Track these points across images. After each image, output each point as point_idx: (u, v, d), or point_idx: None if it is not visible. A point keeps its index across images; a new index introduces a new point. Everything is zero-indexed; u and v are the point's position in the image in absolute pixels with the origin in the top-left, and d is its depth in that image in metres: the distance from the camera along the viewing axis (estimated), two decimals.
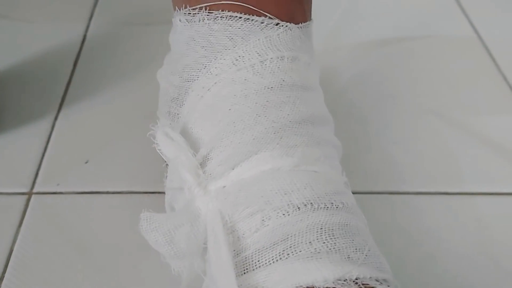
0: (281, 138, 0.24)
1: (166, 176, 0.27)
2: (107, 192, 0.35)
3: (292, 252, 0.21)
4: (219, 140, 0.25)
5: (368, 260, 0.22)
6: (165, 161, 0.27)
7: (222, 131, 0.25)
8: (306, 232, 0.22)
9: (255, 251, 0.22)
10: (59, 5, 0.52)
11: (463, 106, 0.43)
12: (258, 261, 0.22)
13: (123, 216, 0.33)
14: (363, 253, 0.22)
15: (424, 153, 0.39)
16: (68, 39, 0.48)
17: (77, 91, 0.43)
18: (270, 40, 0.26)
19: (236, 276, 0.21)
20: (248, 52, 0.25)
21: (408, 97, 0.44)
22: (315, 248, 0.21)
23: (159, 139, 0.25)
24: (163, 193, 0.28)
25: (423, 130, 0.41)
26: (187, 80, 0.27)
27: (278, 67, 0.26)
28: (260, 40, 0.26)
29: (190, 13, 0.27)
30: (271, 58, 0.25)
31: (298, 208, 0.22)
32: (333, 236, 0.22)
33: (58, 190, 0.35)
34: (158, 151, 0.25)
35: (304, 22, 0.27)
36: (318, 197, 0.23)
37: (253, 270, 0.22)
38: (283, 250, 0.21)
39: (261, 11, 0.26)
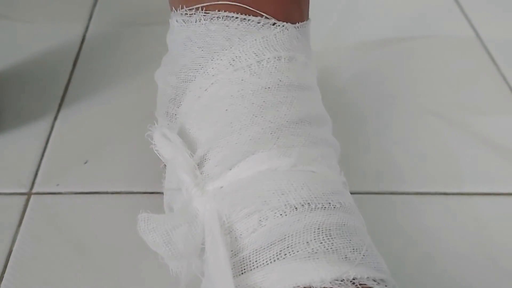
0: (278, 138, 0.24)
1: (165, 177, 0.27)
2: (107, 192, 0.35)
3: (289, 252, 0.21)
4: (216, 140, 0.25)
5: (365, 260, 0.22)
6: (163, 162, 0.27)
7: (219, 131, 0.25)
8: (303, 232, 0.22)
9: (253, 251, 0.22)
10: (58, 5, 0.52)
11: (463, 106, 0.43)
12: (256, 261, 0.22)
13: (122, 216, 0.33)
14: (360, 253, 0.22)
15: (424, 153, 0.39)
16: (68, 39, 0.48)
17: (77, 91, 0.43)
18: (267, 40, 0.26)
19: (234, 276, 0.21)
20: (245, 52, 0.25)
21: (408, 97, 0.44)
22: (312, 248, 0.21)
23: (157, 140, 0.25)
24: (162, 193, 0.28)
25: (422, 130, 0.41)
26: (184, 81, 0.27)
27: (275, 67, 0.26)
28: (257, 40, 0.25)
29: (186, 14, 0.27)
30: (268, 58, 0.25)
31: (295, 208, 0.22)
32: (330, 236, 0.22)
33: (58, 190, 0.35)
34: (155, 152, 0.25)
35: (301, 22, 0.27)
36: (315, 197, 0.23)
37: (251, 270, 0.22)
38: (281, 250, 0.21)
39: (257, 11, 0.26)
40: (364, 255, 0.22)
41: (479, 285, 0.31)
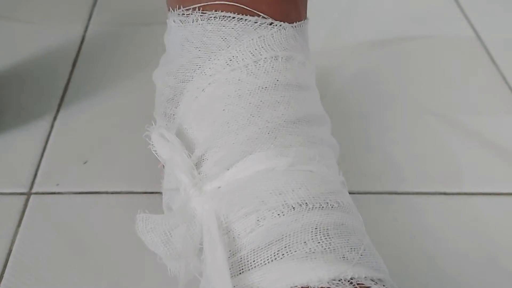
0: (275, 138, 0.24)
1: (163, 177, 0.27)
2: (106, 192, 0.35)
3: (287, 252, 0.21)
4: (213, 140, 0.25)
5: (363, 259, 0.22)
6: (161, 162, 0.27)
7: (216, 131, 0.25)
8: (301, 232, 0.22)
9: (251, 251, 0.22)
10: (58, 6, 0.52)
11: (462, 106, 0.43)
12: (254, 261, 0.22)
13: (121, 216, 0.33)
14: (358, 253, 0.22)
15: (423, 153, 0.39)
16: (67, 39, 0.48)
17: (76, 91, 0.43)
18: (264, 39, 0.26)
19: (232, 276, 0.21)
20: (241, 52, 0.25)
21: (407, 97, 0.44)
22: (310, 248, 0.21)
23: (155, 140, 0.25)
24: (162, 193, 0.28)
25: (422, 130, 0.41)
26: (182, 81, 0.27)
27: (272, 67, 0.26)
28: (254, 40, 0.25)
29: (184, 14, 0.27)
30: (265, 58, 0.25)
31: (293, 208, 0.22)
32: (328, 236, 0.22)
33: (57, 190, 0.35)
34: (153, 152, 0.25)
35: (298, 21, 0.27)
36: (313, 197, 0.23)
37: (249, 270, 0.22)
38: (278, 250, 0.21)
39: (254, 11, 0.25)
40: (362, 255, 0.22)
41: (479, 285, 0.31)
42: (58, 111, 0.41)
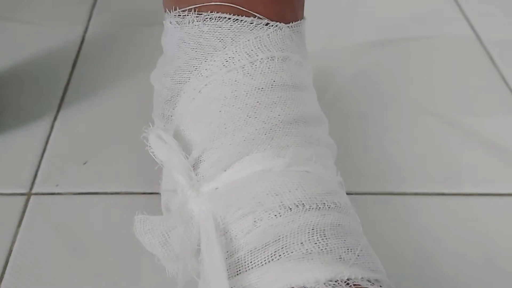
0: (272, 138, 0.24)
1: (162, 178, 0.28)
2: (106, 193, 0.35)
3: (283, 253, 0.21)
4: (210, 141, 0.25)
5: (360, 260, 0.22)
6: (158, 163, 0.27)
7: (213, 132, 0.25)
8: (298, 233, 0.22)
9: (248, 252, 0.22)
10: (58, 7, 0.52)
11: (462, 107, 0.43)
12: (251, 262, 0.22)
13: (121, 217, 0.33)
14: (355, 254, 0.22)
15: (422, 154, 0.39)
16: (67, 40, 0.48)
17: (76, 92, 0.43)
18: (260, 40, 0.26)
19: (229, 277, 0.21)
20: (238, 53, 0.25)
21: (407, 97, 0.44)
22: (307, 249, 0.21)
23: (152, 141, 0.25)
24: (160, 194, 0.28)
25: (421, 130, 0.41)
26: (178, 82, 0.27)
27: (269, 68, 0.25)
28: (250, 40, 0.25)
29: (180, 15, 0.27)
30: (261, 59, 0.25)
31: (290, 209, 0.22)
32: (324, 236, 0.22)
33: (57, 191, 0.35)
34: (151, 153, 0.25)
35: (295, 21, 0.27)
36: (309, 198, 0.23)
37: (246, 271, 0.22)
38: (275, 251, 0.21)
39: (250, 12, 0.25)
40: (358, 255, 0.22)
41: (477, 285, 0.31)
42: (58, 111, 0.41)
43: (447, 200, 0.36)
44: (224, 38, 0.26)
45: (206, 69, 0.26)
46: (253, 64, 0.25)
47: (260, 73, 0.25)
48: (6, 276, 0.30)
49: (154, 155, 0.25)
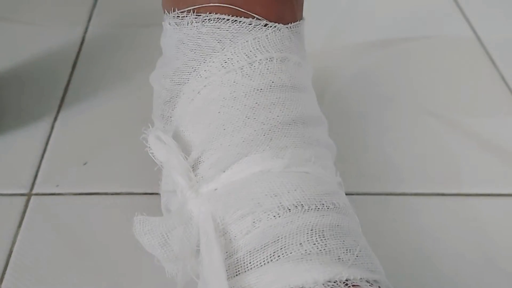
0: (271, 139, 0.24)
1: (161, 179, 0.28)
2: (106, 193, 0.35)
3: (282, 253, 0.21)
4: (209, 143, 0.25)
5: (358, 261, 0.22)
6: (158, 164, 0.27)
7: (212, 133, 0.25)
8: (297, 234, 0.22)
9: (247, 253, 0.22)
10: (58, 7, 0.52)
11: (462, 107, 0.43)
12: (250, 263, 0.22)
13: (121, 217, 0.33)
14: (353, 254, 0.22)
15: (422, 154, 0.39)
16: (67, 41, 0.48)
17: (76, 92, 0.43)
18: (258, 41, 0.26)
19: (228, 278, 0.21)
20: (236, 54, 0.25)
21: (406, 98, 0.44)
22: (306, 250, 0.21)
23: (151, 142, 0.25)
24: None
25: (421, 131, 0.41)
26: (178, 83, 0.27)
27: (267, 69, 0.26)
28: (249, 41, 0.25)
29: (178, 16, 0.27)
30: (260, 60, 0.25)
31: (289, 209, 0.22)
32: (323, 237, 0.22)
33: (57, 191, 0.35)
34: (150, 154, 0.25)
35: (294, 22, 0.27)
36: (308, 199, 0.23)
37: (245, 272, 0.22)
38: (274, 252, 0.21)
39: (249, 13, 0.25)
40: (357, 256, 0.22)
41: (477, 285, 0.31)
42: (58, 112, 0.41)
43: (447, 200, 0.36)
44: (222, 39, 0.26)
45: (205, 70, 0.26)
46: (251, 65, 0.25)
47: (259, 74, 0.25)
48: (6, 276, 0.30)
49: (153, 156, 0.25)
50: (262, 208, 0.22)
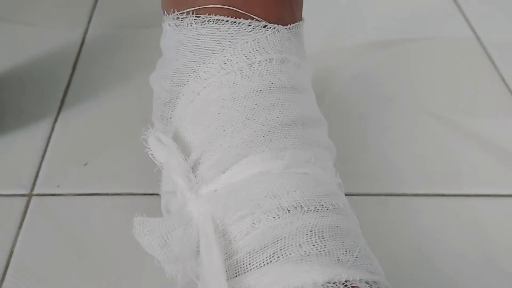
0: (270, 141, 0.24)
1: (161, 180, 0.28)
2: (106, 194, 0.35)
3: (282, 255, 0.21)
4: (209, 144, 0.25)
5: (358, 262, 0.22)
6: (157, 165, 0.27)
7: (212, 135, 0.25)
8: (296, 235, 0.22)
9: (246, 254, 0.22)
10: (58, 8, 0.53)
11: (462, 108, 0.43)
12: (249, 264, 0.22)
13: (121, 218, 0.33)
14: (353, 255, 0.22)
15: (422, 155, 0.39)
16: (67, 41, 0.48)
17: (77, 93, 0.43)
18: (258, 42, 0.26)
19: (228, 279, 0.21)
20: (236, 56, 0.25)
21: (407, 98, 0.44)
22: (305, 251, 0.21)
23: (151, 143, 0.25)
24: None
25: (421, 131, 0.41)
26: (177, 85, 0.27)
27: (267, 70, 0.26)
28: (248, 43, 0.26)
29: (178, 18, 0.27)
30: (259, 61, 0.25)
31: (288, 211, 0.22)
32: (323, 238, 0.22)
33: (58, 192, 0.35)
34: (150, 155, 0.25)
35: (293, 23, 0.27)
36: (307, 200, 0.23)
37: (244, 273, 0.22)
38: (273, 253, 0.21)
39: (248, 14, 0.26)
40: (356, 257, 0.22)
41: (477, 286, 0.31)
42: (58, 113, 0.41)
43: (447, 201, 0.36)
44: (222, 40, 0.26)
45: (204, 72, 0.26)
46: (251, 66, 0.25)
47: (258, 75, 0.25)
48: (7, 277, 0.30)
49: (153, 157, 0.25)
50: (262, 209, 0.22)
